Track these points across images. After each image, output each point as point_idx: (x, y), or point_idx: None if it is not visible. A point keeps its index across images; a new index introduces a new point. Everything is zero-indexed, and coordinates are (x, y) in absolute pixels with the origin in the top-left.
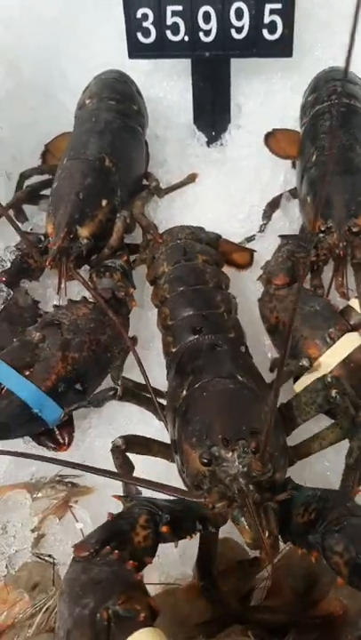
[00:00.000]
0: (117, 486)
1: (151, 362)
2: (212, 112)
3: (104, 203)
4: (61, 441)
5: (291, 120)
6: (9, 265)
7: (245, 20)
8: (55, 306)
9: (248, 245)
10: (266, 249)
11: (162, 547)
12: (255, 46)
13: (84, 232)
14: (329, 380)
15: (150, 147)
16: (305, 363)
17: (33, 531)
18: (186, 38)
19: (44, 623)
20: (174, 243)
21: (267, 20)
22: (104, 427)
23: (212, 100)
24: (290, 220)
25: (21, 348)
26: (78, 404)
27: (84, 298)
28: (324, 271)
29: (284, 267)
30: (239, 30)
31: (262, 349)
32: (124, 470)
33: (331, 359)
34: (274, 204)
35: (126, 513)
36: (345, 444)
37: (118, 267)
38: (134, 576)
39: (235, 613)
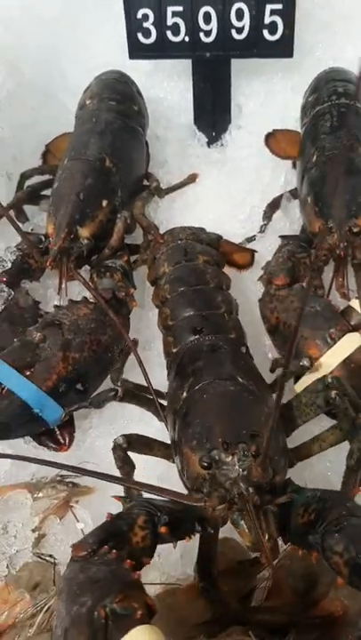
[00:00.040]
0: (118, 487)
1: (152, 362)
2: (213, 112)
3: (104, 203)
4: (62, 441)
5: (291, 120)
6: (10, 265)
7: (246, 21)
8: (56, 306)
9: (249, 246)
10: (266, 249)
11: (162, 547)
12: (256, 47)
13: (84, 232)
14: (329, 380)
15: (151, 147)
16: (305, 363)
17: (34, 531)
18: (186, 39)
19: (44, 623)
20: (175, 243)
21: (267, 20)
22: (105, 427)
23: (213, 101)
24: (290, 220)
25: (22, 348)
26: (79, 405)
27: (85, 298)
28: (325, 271)
29: (285, 267)
30: (240, 31)
31: (263, 350)
32: (125, 470)
33: (331, 359)
34: (274, 205)
35: (125, 513)
36: (346, 445)
37: (119, 267)
38: (132, 575)
39: (235, 614)
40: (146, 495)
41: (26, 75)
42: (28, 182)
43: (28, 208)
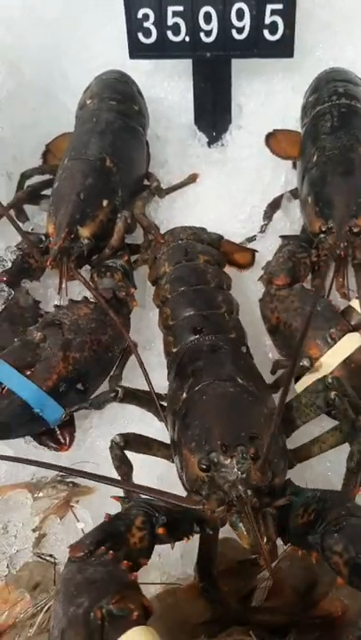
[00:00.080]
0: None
1: (152, 362)
2: (213, 112)
3: (105, 203)
4: (62, 441)
5: (292, 120)
6: (10, 265)
7: (246, 21)
8: (56, 306)
9: (249, 246)
10: (267, 249)
11: (163, 546)
12: (256, 47)
13: (84, 232)
14: (330, 381)
15: (151, 147)
16: (306, 363)
17: (34, 530)
18: (187, 39)
19: (45, 623)
20: (176, 243)
21: (268, 20)
22: (105, 427)
23: (213, 101)
24: (291, 220)
25: (22, 347)
26: (79, 406)
27: (85, 298)
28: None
29: (285, 267)
30: (240, 31)
31: (263, 350)
32: (123, 470)
33: (332, 359)
34: (275, 205)
35: (123, 514)
36: (347, 445)
37: (119, 267)
38: (128, 576)
39: (235, 614)
40: (145, 495)
41: (26, 75)
42: (29, 182)
43: (28, 208)
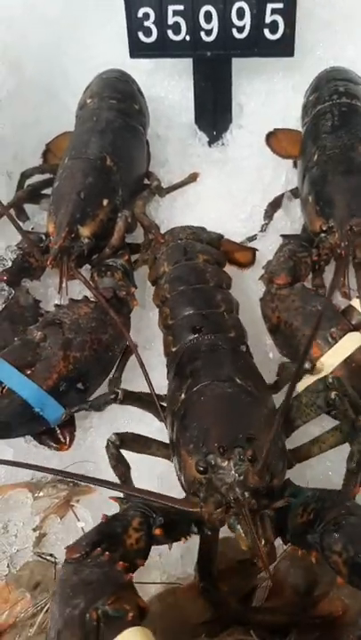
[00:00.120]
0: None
1: (152, 362)
2: (214, 112)
3: (105, 202)
4: (63, 440)
5: (292, 120)
6: (10, 264)
7: (247, 20)
8: (56, 305)
9: (250, 245)
10: (268, 249)
11: (163, 546)
12: (257, 46)
13: (85, 231)
14: (330, 380)
15: (151, 146)
16: (306, 363)
17: (34, 530)
18: (187, 38)
19: (45, 623)
20: (175, 243)
21: (268, 19)
22: (105, 426)
23: (214, 100)
24: (291, 219)
25: (23, 347)
26: (79, 407)
27: (86, 297)
28: (326, 271)
29: (286, 266)
30: (241, 30)
31: (264, 349)
32: (119, 469)
33: (332, 359)
34: (275, 204)
35: (120, 515)
36: (347, 445)
37: (119, 266)
38: (124, 577)
39: (235, 613)
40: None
41: (27, 74)
42: (29, 181)
43: (28, 207)
